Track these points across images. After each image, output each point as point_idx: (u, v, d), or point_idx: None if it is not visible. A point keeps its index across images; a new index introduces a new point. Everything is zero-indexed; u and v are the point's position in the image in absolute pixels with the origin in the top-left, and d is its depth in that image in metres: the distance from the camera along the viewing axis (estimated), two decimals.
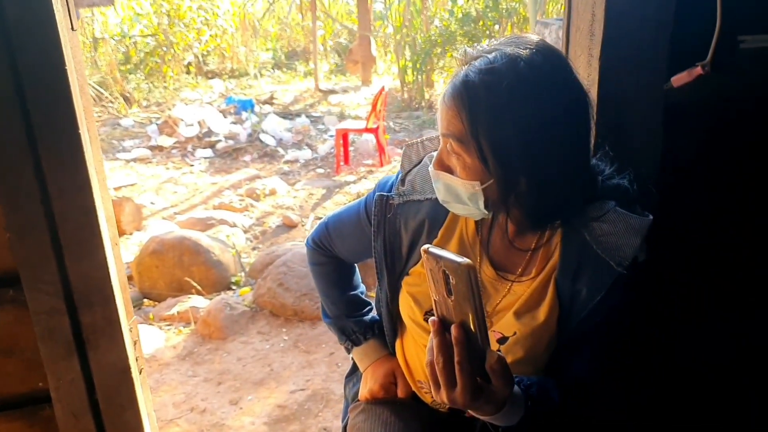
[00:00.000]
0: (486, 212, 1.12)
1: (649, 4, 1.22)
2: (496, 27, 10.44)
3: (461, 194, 1.11)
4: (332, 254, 1.49)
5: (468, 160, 1.07)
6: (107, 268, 1.16)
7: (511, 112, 1.02)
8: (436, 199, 1.23)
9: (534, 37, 1.08)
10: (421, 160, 1.28)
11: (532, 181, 1.06)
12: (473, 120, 1.03)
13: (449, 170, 1.12)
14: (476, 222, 1.24)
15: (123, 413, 1.27)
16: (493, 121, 1.02)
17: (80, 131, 1.08)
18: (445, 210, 1.24)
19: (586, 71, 1.33)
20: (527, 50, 1.04)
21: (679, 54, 1.24)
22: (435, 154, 1.16)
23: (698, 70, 1.20)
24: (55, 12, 1.01)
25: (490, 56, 1.04)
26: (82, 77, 1.19)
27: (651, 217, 1.11)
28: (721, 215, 1.44)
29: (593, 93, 1.30)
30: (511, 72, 1.01)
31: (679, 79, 1.24)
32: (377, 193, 1.29)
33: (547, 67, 1.04)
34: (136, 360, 1.34)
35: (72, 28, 1.15)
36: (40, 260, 1.12)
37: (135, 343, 1.36)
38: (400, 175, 1.30)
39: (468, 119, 1.03)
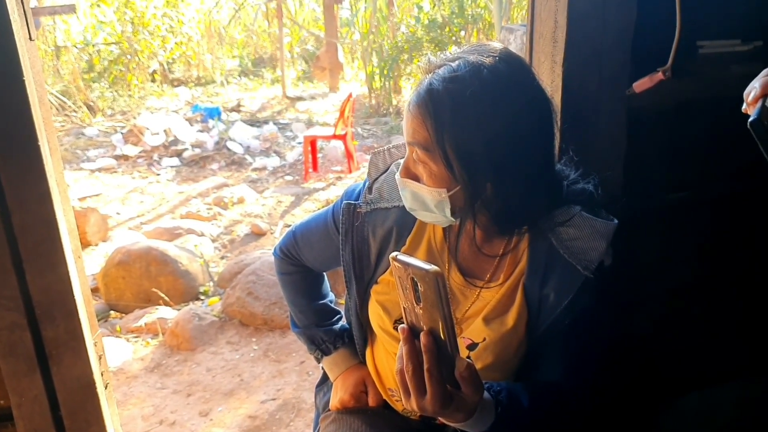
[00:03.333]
0: (453, 219, 1.13)
1: (611, 12, 1.23)
2: (462, 33, 10.51)
3: (428, 202, 1.11)
4: (300, 263, 1.48)
5: (434, 167, 1.07)
6: (70, 280, 1.14)
7: (476, 119, 1.03)
8: (404, 206, 1.23)
9: (497, 45, 1.09)
10: (388, 168, 1.28)
11: (498, 187, 1.07)
12: (438, 128, 1.04)
13: (416, 178, 1.12)
14: (444, 229, 1.24)
15: (88, 429, 1.25)
16: (458, 129, 1.03)
17: (39, 142, 1.06)
18: (412, 217, 1.24)
19: (550, 77, 1.34)
20: (490, 58, 1.05)
21: (641, 60, 1.26)
22: (402, 161, 1.16)
23: (659, 75, 1.22)
24: (12, 22, 1.00)
25: (454, 65, 1.05)
26: (42, 88, 1.16)
27: (616, 221, 1.13)
28: (684, 216, 1.46)
29: (557, 99, 1.31)
30: (474, 79, 1.02)
31: (641, 85, 1.26)
32: (344, 202, 1.29)
33: (509, 74, 1.05)
34: (102, 374, 1.32)
35: (30, 38, 1.13)
36: (0, 274, 1.09)
37: (100, 357, 1.33)
38: (367, 183, 1.30)
39: (433, 127, 1.04)
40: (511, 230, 1.16)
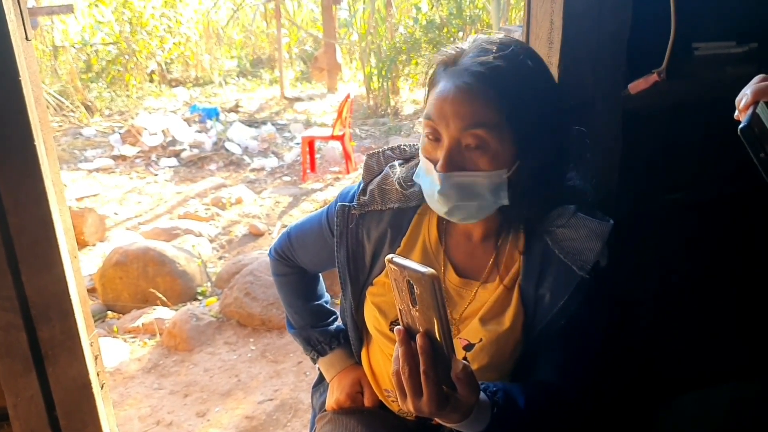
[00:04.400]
0: (506, 201, 1.10)
1: (606, 13, 1.24)
2: (460, 34, 10.51)
3: (481, 190, 1.08)
4: (295, 264, 1.48)
5: (499, 147, 1.06)
6: (65, 281, 1.14)
7: (542, 91, 1.09)
8: (398, 208, 1.23)
9: (501, 35, 1.13)
10: (383, 170, 1.28)
11: (544, 162, 1.11)
12: (512, 103, 1.04)
13: (461, 169, 1.08)
14: (439, 230, 1.24)
15: (84, 429, 1.25)
16: (529, 102, 1.06)
17: (36, 143, 1.06)
18: (407, 219, 1.24)
19: None
20: (516, 42, 1.11)
21: (636, 61, 1.26)
22: (424, 161, 1.12)
23: (654, 77, 1.22)
24: (8, 22, 1.00)
25: (490, 46, 1.08)
26: (38, 88, 1.16)
27: (612, 221, 1.13)
28: (680, 217, 1.47)
29: None
30: (523, 56, 1.07)
31: (636, 86, 1.26)
32: (339, 204, 1.29)
33: (536, 54, 1.13)
34: (98, 374, 1.32)
35: (26, 38, 1.13)
36: None
37: (96, 358, 1.33)
38: (361, 185, 1.29)
39: (506, 103, 1.04)
40: (522, 216, 1.16)
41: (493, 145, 1.06)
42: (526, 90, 1.06)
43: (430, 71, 1.14)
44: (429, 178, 1.11)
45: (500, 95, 1.04)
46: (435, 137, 1.09)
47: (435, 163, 1.08)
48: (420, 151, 1.13)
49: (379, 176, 1.27)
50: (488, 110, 1.04)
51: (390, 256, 0.85)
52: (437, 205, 1.12)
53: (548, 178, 1.12)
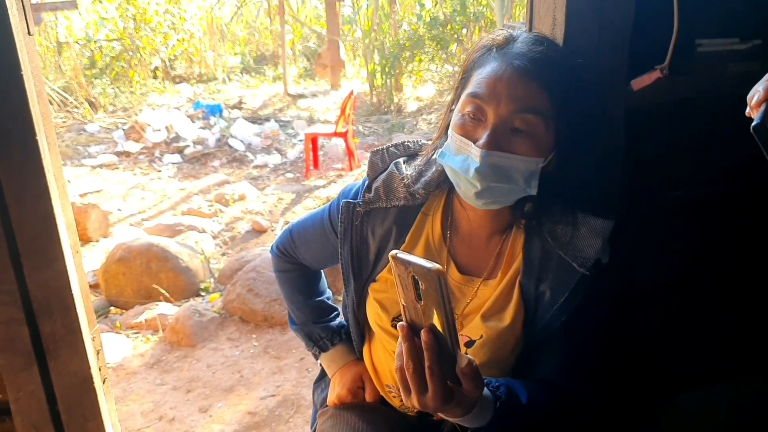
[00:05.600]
0: (534, 192, 1.10)
1: (608, 9, 1.23)
2: (464, 31, 10.51)
3: (516, 174, 1.08)
4: (297, 261, 1.49)
5: (542, 135, 1.07)
6: (67, 276, 1.14)
7: (587, 84, 1.12)
8: (403, 205, 1.23)
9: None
10: (387, 167, 1.28)
11: (577, 159, 1.13)
12: (563, 93, 1.07)
13: (502, 149, 1.07)
14: (443, 227, 1.24)
15: (85, 424, 1.25)
16: (579, 93, 1.09)
17: (38, 137, 1.06)
18: (411, 216, 1.24)
19: None
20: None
21: (639, 58, 1.26)
22: (458, 138, 1.10)
23: (657, 73, 1.22)
24: (10, 16, 1.00)
25: (546, 40, 1.13)
26: (40, 82, 1.16)
27: (613, 219, 1.13)
28: (682, 214, 1.46)
29: None
30: (576, 58, 1.13)
31: (639, 82, 1.26)
32: (343, 200, 1.29)
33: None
34: (100, 369, 1.32)
35: (29, 33, 1.13)
36: None
37: (98, 352, 1.34)
38: (366, 182, 1.29)
39: (558, 91, 1.06)
40: (536, 210, 1.16)
41: (539, 132, 1.07)
42: (577, 87, 1.09)
43: (474, 55, 1.15)
44: (462, 156, 1.10)
45: (554, 85, 1.06)
46: (477, 116, 1.08)
47: (473, 141, 1.08)
48: (452, 129, 1.12)
49: (384, 173, 1.27)
50: (542, 97, 1.06)
51: (394, 251, 0.85)
52: (468, 185, 1.10)
53: (576, 174, 1.14)
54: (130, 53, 11.64)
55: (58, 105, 9.50)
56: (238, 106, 10.55)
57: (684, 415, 1.65)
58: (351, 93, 7.45)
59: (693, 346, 1.57)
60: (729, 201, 1.48)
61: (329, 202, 1.39)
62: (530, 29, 1.42)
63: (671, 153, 1.41)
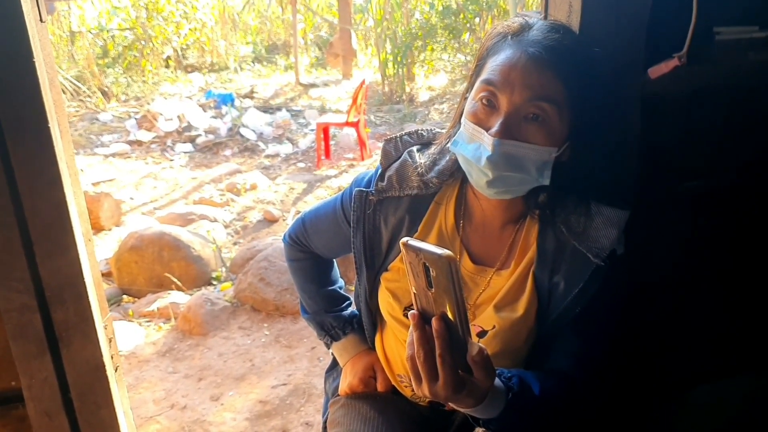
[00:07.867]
0: (547, 182, 1.09)
1: None
2: (477, 19, 10.45)
3: (528, 164, 1.06)
4: (309, 250, 1.48)
5: (557, 124, 1.06)
6: (79, 264, 1.14)
7: (603, 75, 1.11)
8: (416, 194, 1.22)
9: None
10: (401, 156, 1.27)
11: (591, 150, 1.12)
12: (579, 82, 1.05)
13: (515, 138, 1.05)
14: (456, 216, 1.23)
15: (98, 411, 1.26)
16: (594, 84, 1.08)
17: (50, 125, 1.06)
18: (424, 205, 1.23)
19: None
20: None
21: (656, 45, 1.24)
22: (470, 126, 1.09)
23: (675, 61, 1.20)
24: (22, 3, 0.99)
25: (554, 24, 1.11)
26: (52, 70, 1.16)
27: (628, 209, 1.11)
28: (699, 205, 1.45)
29: None
30: (592, 48, 1.11)
31: (656, 71, 1.24)
32: (356, 189, 1.28)
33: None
34: (112, 357, 1.32)
35: (41, 20, 1.13)
36: (10, 257, 1.10)
37: (110, 340, 1.34)
38: (379, 171, 1.28)
39: (574, 81, 1.05)
40: (548, 201, 1.15)
41: (553, 121, 1.05)
42: (592, 76, 1.07)
43: (489, 42, 1.13)
44: (474, 145, 1.08)
45: (570, 74, 1.04)
46: (491, 103, 1.07)
47: (485, 129, 1.06)
48: (465, 117, 1.11)
49: (397, 162, 1.26)
50: (557, 85, 1.04)
51: (405, 239, 0.84)
52: (480, 174, 1.08)
53: (590, 164, 1.13)
54: (143, 42, 11.67)
55: (71, 94, 9.54)
56: (249, 95, 10.55)
57: (698, 408, 1.64)
58: (363, 82, 7.43)
59: (709, 338, 1.56)
60: (747, 192, 1.46)
61: (342, 191, 1.38)
62: (545, 17, 1.40)
63: (688, 143, 1.39)
